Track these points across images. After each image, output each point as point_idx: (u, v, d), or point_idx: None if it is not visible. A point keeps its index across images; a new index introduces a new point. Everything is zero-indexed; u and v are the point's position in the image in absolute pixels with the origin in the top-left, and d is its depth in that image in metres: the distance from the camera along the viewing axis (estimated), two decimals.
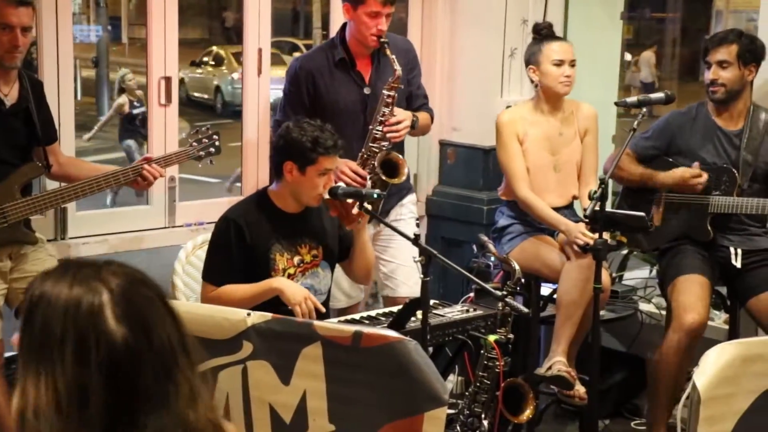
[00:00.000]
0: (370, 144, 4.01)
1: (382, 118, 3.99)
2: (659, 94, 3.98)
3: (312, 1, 17.34)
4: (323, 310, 3.37)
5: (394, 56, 3.96)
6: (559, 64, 4.21)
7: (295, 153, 3.41)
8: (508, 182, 4.32)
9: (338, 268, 3.82)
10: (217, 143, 3.82)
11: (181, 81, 15.14)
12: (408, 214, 4.29)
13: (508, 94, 5.15)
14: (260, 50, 4.69)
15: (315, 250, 3.55)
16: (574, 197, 4.38)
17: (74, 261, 1.55)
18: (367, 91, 4.12)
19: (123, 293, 1.50)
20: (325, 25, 6.09)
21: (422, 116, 4.24)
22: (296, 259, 3.50)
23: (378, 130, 4.00)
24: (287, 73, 4.21)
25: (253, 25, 4.67)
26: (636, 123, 3.80)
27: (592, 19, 5.43)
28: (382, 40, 3.99)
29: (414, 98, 4.27)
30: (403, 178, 4.04)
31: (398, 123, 4.00)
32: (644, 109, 3.86)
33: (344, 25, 4.18)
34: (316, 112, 4.04)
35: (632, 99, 3.96)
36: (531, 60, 4.29)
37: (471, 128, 5.09)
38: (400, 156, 4.07)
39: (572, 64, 4.23)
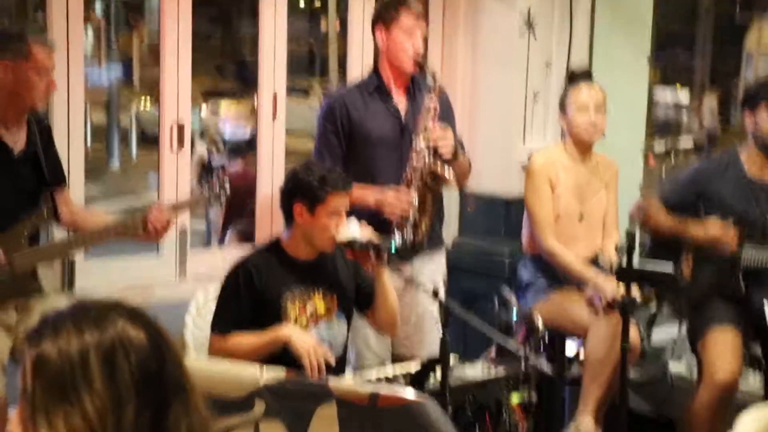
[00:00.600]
0: (414, 163, 3.95)
1: (425, 132, 3.95)
2: (688, 141, 3.96)
3: (328, 43, 17.46)
4: (333, 363, 3.33)
5: (433, 71, 3.97)
6: (584, 110, 4.21)
7: (304, 193, 3.42)
8: (533, 230, 4.29)
9: (367, 325, 3.78)
10: (227, 185, 3.83)
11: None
12: (436, 270, 4.22)
13: (531, 141, 5.15)
14: (275, 94, 4.71)
15: (329, 299, 3.52)
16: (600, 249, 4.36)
17: (54, 315, 1.56)
18: (403, 121, 4.09)
19: (124, 308, 1.55)
20: (342, 67, 6.12)
21: (463, 156, 4.14)
22: (309, 308, 3.48)
23: (422, 146, 3.94)
24: (320, 113, 4.17)
25: (268, 68, 4.70)
26: (664, 171, 3.79)
27: (617, 60, 5.44)
28: (419, 59, 3.98)
29: None
30: (451, 185, 4.01)
31: (443, 135, 3.93)
32: (672, 157, 3.84)
33: (376, 62, 4.18)
34: (350, 145, 4.05)
35: (660, 145, 3.94)
36: (560, 105, 4.30)
37: (492, 176, 5.08)
38: (446, 168, 3.95)
39: (599, 110, 4.22)
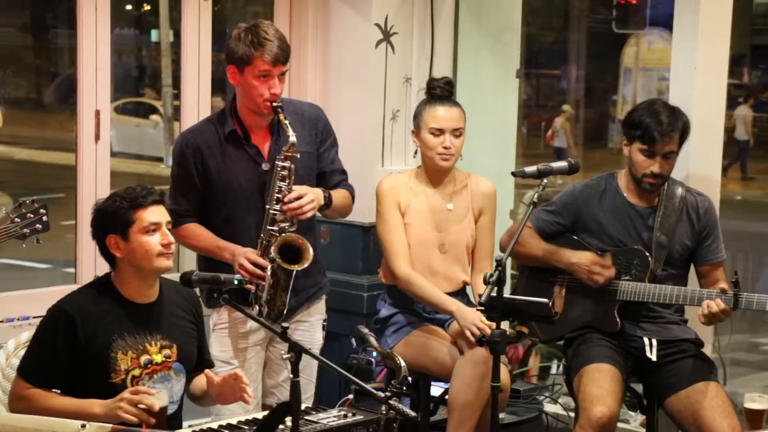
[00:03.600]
0: (269, 227, 3.95)
1: (279, 195, 3.95)
2: (562, 163, 4.06)
3: (160, 55, 17.28)
4: (156, 408, 3.29)
5: (287, 121, 3.92)
6: (438, 133, 4.29)
7: (110, 222, 3.44)
8: (386, 259, 4.36)
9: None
10: (44, 218, 3.79)
11: None
12: (316, 314, 4.25)
13: (390, 163, 5.23)
14: (98, 112, 4.68)
15: (168, 349, 3.50)
16: (465, 283, 4.45)
17: None
18: (265, 167, 4.05)
19: None
20: (176, 82, 6.10)
21: (338, 194, 4.16)
22: (143, 358, 3.45)
23: (276, 210, 3.94)
24: (173, 153, 4.17)
25: (89, 83, 4.67)
26: (536, 196, 3.88)
27: (484, 77, 5.57)
28: (275, 104, 3.94)
29: (328, 176, 4.21)
30: (308, 262, 3.96)
31: (299, 198, 3.95)
32: (545, 180, 3.94)
33: (235, 94, 4.12)
34: (208, 196, 4.05)
35: (531, 168, 4.03)
36: (414, 122, 4.38)
37: None
38: (302, 237, 3.98)
39: (457, 134, 4.31)
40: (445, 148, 4.28)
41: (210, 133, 4.09)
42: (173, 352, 3.52)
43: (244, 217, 4.05)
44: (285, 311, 4.01)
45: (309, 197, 3.96)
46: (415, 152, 4.41)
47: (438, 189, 4.40)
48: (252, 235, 4.01)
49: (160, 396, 3.29)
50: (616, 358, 4.17)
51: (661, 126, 4.15)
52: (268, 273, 3.94)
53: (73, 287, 4.10)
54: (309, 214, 3.99)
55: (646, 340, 4.22)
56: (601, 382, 4.05)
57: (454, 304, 4.21)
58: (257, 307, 3.96)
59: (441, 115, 4.31)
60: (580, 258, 4.26)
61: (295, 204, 3.93)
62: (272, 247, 3.94)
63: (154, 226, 3.42)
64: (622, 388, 4.12)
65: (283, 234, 3.96)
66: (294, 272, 3.96)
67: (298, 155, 3.96)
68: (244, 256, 3.95)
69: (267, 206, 3.96)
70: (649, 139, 4.15)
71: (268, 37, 3.93)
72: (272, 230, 3.96)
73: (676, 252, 4.26)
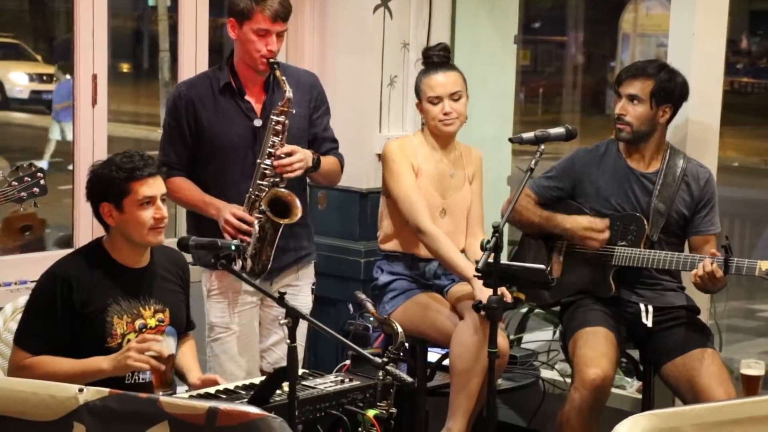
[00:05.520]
0: (259, 181, 3.97)
1: (272, 150, 3.96)
2: (559, 129, 4.06)
3: (158, 19, 17.22)
4: (165, 354, 3.32)
5: (284, 78, 3.94)
6: (436, 101, 4.29)
7: (105, 190, 3.44)
8: (408, 215, 4.32)
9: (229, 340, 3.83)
10: (42, 182, 3.79)
11: None
12: (305, 278, 4.28)
13: (388, 129, 5.21)
14: (95, 76, 4.66)
15: (161, 313, 3.52)
16: (462, 250, 4.44)
17: None
18: (257, 123, 4.07)
19: None
20: (174, 47, 6.07)
21: (326, 160, 4.18)
22: (138, 323, 3.46)
23: (267, 164, 3.96)
24: (166, 104, 4.18)
25: (86, 47, 4.64)
26: (534, 162, 3.87)
27: (482, 42, 5.55)
28: (271, 60, 3.97)
29: (320, 142, 4.22)
30: (296, 217, 3.99)
31: (290, 155, 3.96)
32: (542, 147, 3.94)
33: (233, 48, 4.14)
34: (198, 148, 4.06)
35: (529, 134, 4.02)
36: (416, 92, 4.37)
37: (345, 168, 5.12)
38: (292, 193, 4.00)
39: (455, 97, 4.30)
40: (445, 114, 4.28)
41: (204, 87, 4.12)
42: (166, 316, 3.54)
43: (233, 172, 4.06)
44: (269, 266, 4.02)
45: (299, 156, 3.97)
46: (423, 125, 4.39)
47: (443, 156, 4.40)
48: (240, 191, 4.02)
49: (167, 344, 3.33)
50: (611, 322, 4.19)
51: (630, 67, 4.29)
52: (256, 227, 3.94)
53: (70, 252, 4.11)
54: (297, 173, 3.99)
55: (641, 306, 4.23)
56: (596, 344, 4.07)
57: (469, 271, 4.17)
58: (240, 262, 3.96)
59: (437, 82, 4.31)
60: (574, 224, 4.27)
61: (285, 160, 3.94)
62: (262, 200, 3.95)
63: (148, 199, 3.43)
64: (616, 350, 4.14)
65: (274, 188, 3.97)
66: (282, 227, 3.97)
67: (294, 111, 3.96)
68: (230, 212, 3.95)
69: (258, 160, 3.98)
70: (617, 81, 4.27)
71: None
72: (261, 185, 3.97)
73: (673, 220, 4.26)
